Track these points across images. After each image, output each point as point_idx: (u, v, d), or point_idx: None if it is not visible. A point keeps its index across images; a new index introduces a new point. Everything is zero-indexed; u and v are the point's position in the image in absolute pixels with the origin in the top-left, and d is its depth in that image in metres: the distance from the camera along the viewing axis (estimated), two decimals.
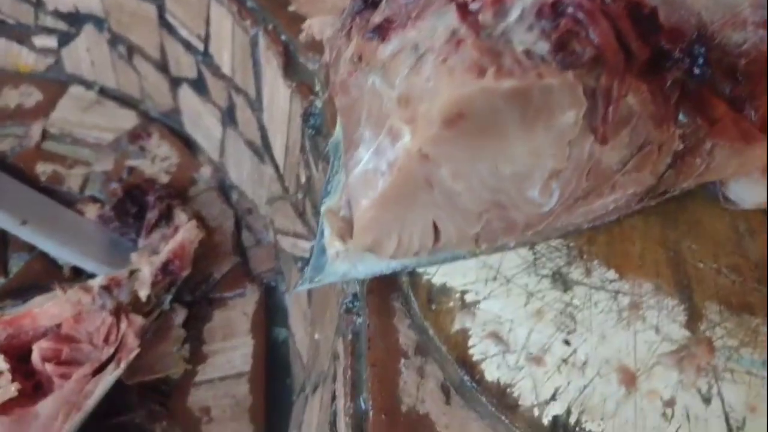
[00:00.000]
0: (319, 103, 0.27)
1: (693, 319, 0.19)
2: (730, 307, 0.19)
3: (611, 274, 0.20)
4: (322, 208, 0.22)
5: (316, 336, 0.28)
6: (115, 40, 0.44)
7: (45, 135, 0.46)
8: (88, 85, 0.49)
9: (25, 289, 0.37)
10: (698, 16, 0.21)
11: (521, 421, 0.18)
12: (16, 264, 0.39)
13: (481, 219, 0.20)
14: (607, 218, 0.20)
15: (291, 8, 0.30)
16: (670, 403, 0.18)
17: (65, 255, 0.38)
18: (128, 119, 0.46)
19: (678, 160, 0.19)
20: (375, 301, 0.22)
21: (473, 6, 0.17)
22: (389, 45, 0.19)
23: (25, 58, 0.50)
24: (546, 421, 0.17)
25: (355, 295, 0.22)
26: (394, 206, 0.19)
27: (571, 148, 0.18)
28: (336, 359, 0.23)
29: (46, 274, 0.38)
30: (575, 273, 0.20)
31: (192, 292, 0.37)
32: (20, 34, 0.49)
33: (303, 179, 0.30)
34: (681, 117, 0.19)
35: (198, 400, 0.33)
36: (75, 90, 0.48)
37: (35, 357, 0.29)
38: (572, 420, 0.17)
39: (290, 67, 0.29)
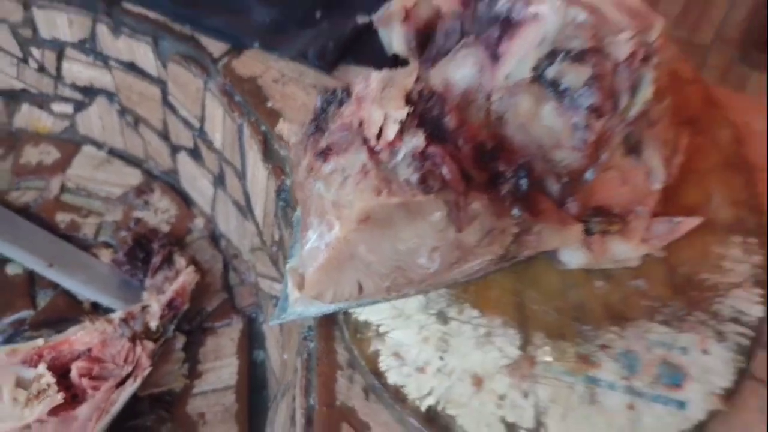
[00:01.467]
0: (288, 182, 0.39)
1: (525, 343, 0.30)
2: (550, 336, 0.30)
3: (476, 312, 0.31)
4: (287, 267, 0.33)
5: (285, 356, 0.38)
6: (123, 111, 0.55)
7: (63, 188, 0.57)
8: (99, 145, 0.59)
9: (52, 321, 0.47)
10: (538, 141, 0.32)
11: (409, 410, 0.28)
12: (43, 299, 0.50)
13: (389, 277, 0.31)
14: (475, 275, 0.31)
15: (269, 104, 0.41)
16: (502, 397, 0.28)
17: (85, 292, 0.49)
18: (134, 176, 0.57)
19: (517, 238, 0.30)
20: (322, 331, 0.32)
21: (377, 148, 0.28)
22: (328, 166, 0.30)
23: (44, 121, 0.61)
24: (423, 408, 0.28)
25: (309, 327, 0.33)
26: (330, 271, 0.30)
27: (442, 233, 0.29)
28: (295, 372, 0.34)
29: (69, 308, 0.48)
30: (452, 312, 0.31)
31: (189, 322, 0.47)
32: (41, 101, 0.60)
33: (276, 237, 0.41)
34: (515, 211, 0.30)
35: (195, 407, 0.43)
36: (88, 149, 0.59)
37: (73, 374, 0.39)
38: (440, 408, 0.28)
39: (267, 152, 0.40)
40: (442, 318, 0.30)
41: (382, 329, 0.30)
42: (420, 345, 0.29)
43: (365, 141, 0.28)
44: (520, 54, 0.30)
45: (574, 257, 0.32)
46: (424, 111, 0.27)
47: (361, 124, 0.29)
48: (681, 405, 0.28)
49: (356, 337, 0.30)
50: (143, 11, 0.47)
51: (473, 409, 0.28)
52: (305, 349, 0.32)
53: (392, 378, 0.29)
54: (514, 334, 0.30)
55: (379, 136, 0.27)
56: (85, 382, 0.39)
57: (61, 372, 0.39)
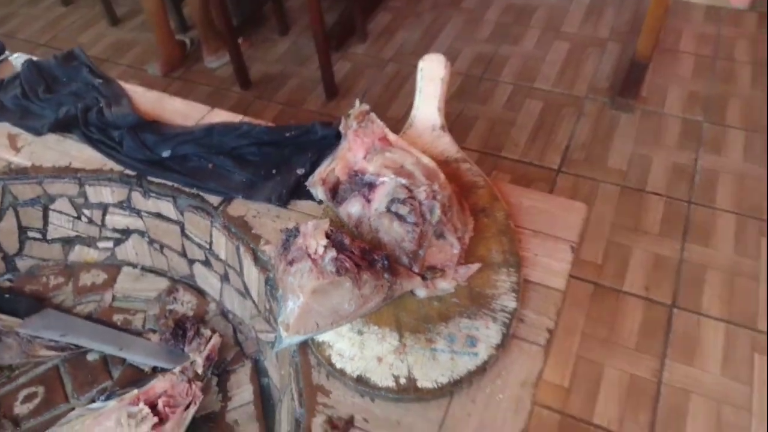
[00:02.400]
0: (271, 275, 0.71)
1: (400, 337, 0.61)
2: (412, 332, 0.62)
3: (375, 327, 0.62)
4: (278, 321, 0.64)
5: (282, 372, 0.70)
6: (152, 242, 0.87)
7: (113, 298, 0.87)
8: (134, 266, 0.90)
9: (125, 385, 0.77)
10: (394, 239, 0.65)
11: (348, 378, 0.59)
12: (116, 372, 0.79)
13: (331, 318, 0.62)
14: (374, 309, 0.63)
15: (253, 231, 0.74)
16: (391, 365, 0.60)
17: (146, 362, 0.79)
18: (163, 283, 0.87)
19: (390, 288, 0.62)
20: (300, 350, 0.64)
21: (315, 258, 0.60)
22: (293, 268, 0.61)
23: (92, 255, 0.91)
24: (355, 376, 0.59)
25: (294, 351, 0.65)
26: (301, 319, 0.61)
27: (352, 292, 0.61)
28: (289, 377, 0.65)
29: (136, 375, 0.78)
30: (364, 329, 0.62)
31: (217, 368, 0.78)
32: (89, 242, 0.90)
33: (267, 307, 0.73)
34: (386, 276, 0.62)
35: (230, 418, 0.73)
36: (126, 269, 0.89)
37: (159, 406, 0.69)
38: (362, 375, 0.59)
39: (256, 260, 0.73)
40: (359, 332, 0.62)
41: (330, 343, 0.62)
42: (349, 348, 0.61)
43: (309, 256, 0.60)
44: (379, 200, 0.64)
45: (421, 292, 0.65)
46: (334, 239, 0.60)
47: (306, 248, 0.61)
48: (476, 355, 0.60)
49: (318, 350, 0.62)
50: (164, 182, 0.79)
51: (378, 372, 0.60)
52: (294, 362, 0.64)
53: (338, 365, 0.60)
54: (395, 334, 0.62)
55: (315, 253, 0.60)
56: (167, 410, 0.69)
57: (151, 406, 0.69)
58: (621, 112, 2.12)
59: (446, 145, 0.77)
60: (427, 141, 0.76)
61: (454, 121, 2.13)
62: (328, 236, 0.58)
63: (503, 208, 0.71)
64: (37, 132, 0.86)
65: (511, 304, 0.62)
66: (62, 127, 0.86)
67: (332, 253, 0.57)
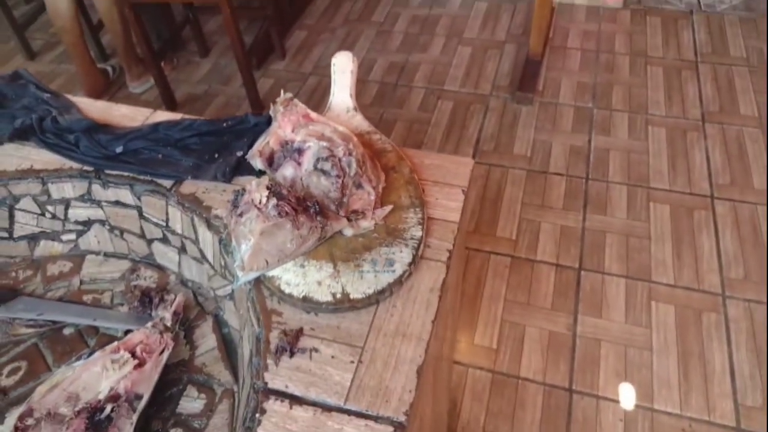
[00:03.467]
0: (224, 235, 0.88)
1: (334, 266, 0.79)
2: (344, 261, 0.79)
3: (314, 261, 0.80)
4: (235, 264, 0.81)
5: (240, 312, 0.86)
6: (112, 229, 1.01)
7: (81, 282, 1.00)
8: (97, 253, 1.04)
9: (104, 345, 0.91)
10: (323, 191, 0.84)
11: (295, 299, 0.77)
12: (92, 341, 0.93)
13: (277, 256, 0.79)
14: (313, 247, 0.80)
15: (204, 204, 0.91)
16: (329, 286, 0.78)
17: (119, 328, 0.93)
18: (125, 264, 1.01)
19: (323, 229, 0.80)
20: (255, 285, 0.81)
21: (260, 207, 0.78)
22: (242, 218, 0.78)
23: (56, 248, 1.04)
24: (301, 297, 0.77)
25: (250, 287, 0.82)
26: (253, 258, 0.78)
27: (292, 233, 0.79)
28: (248, 310, 0.82)
29: (111, 340, 0.92)
30: (305, 263, 0.79)
31: (183, 325, 0.93)
32: (53, 236, 1.03)
33: (223, 264, 0.90)
34: (319, 218, 0.80)
35: (199, 362, 0.89)
36: (90, 257, 1.03)
37: (137, 352, 0.84)
38: (307, 295, 0.77)
39: (210, 226, 0.89)
40: (301, 266, 0.80)
41: (278, 276, 0.79)
42: (294, 278, 0.78)
43: (255, 206, 0.77)
44: (307, 161, 0.83)
45: (348, 231, 0.83)
46: (274, 190, 0.78)
47: (251, 201, 0.78)
48: (394, 272, 0.79)
49: (269, 282, 0.79)
50: (120, 173, 0.94)
51: (319, 292, 0.77)
52: (250, 297, 0.81)
53: (287, 291, 0.77)
54: (330, 264, 0.80)
55: (259, 203, 0.77)
56: (144, 355, 0.84)
57: (130, 353, 0.84)
58: (521, 105, 2.41)
59: (359, 122, 0.97)
60: (344, 120, 0.96)
61: (376, 125, 2.35)
62: (269, 188, 0.76)
63: (408, 166, 0.91)
64: None
65: (419, 233, 0.82)
66: (19, 136, 1.00)
67: (273, 200, 0.75)
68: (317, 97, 2.49)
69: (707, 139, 2.22)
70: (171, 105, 2.34)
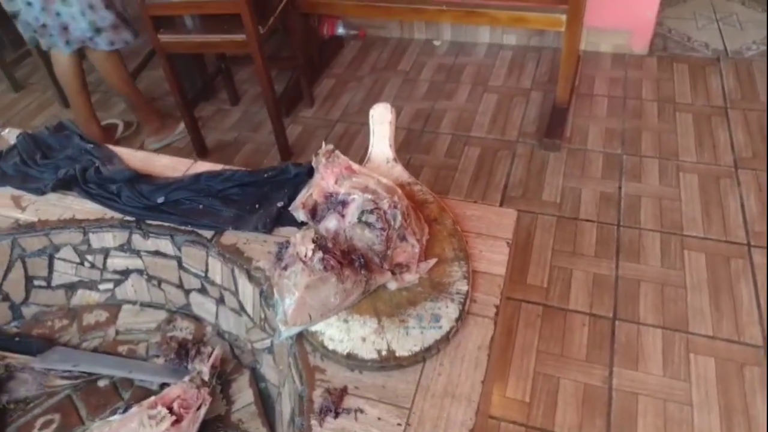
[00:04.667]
0: (265, 287, 0.86)
1: (379, 321, 0.77)
2: (388, 317, 0.77)
3: (357, 315, 0.78)
4: (277, 318, 0.79)
5: (280, 368, 0.84)
6: (150, 279, 1.00)
7: (117, 333, 0.99)
8: (133, 303, 1.03)
9: (139, 398, 0.88)
10: (366, 244, 0.82)
11: (340, 357, 0.74)
12: (126, 394, 0.91)
13: (321, 310, 0.77)
14: (356, 301, 0.78)
15: (245, 255, 0.90)
16: (374, 342, 0.75)
17: (154, 380, 0.91)
18: (161, 314, 1.00)
19: (367, 283, 0.78)
20: (297, 340, 0.78)
21: (305, 260, 0.76)
22: (287, 272, 0.77)
23: (93, 297, 1.04)
24: (345, 354, 0.74)
25: (292, 342, 0.79)
26: (296, 313, 0.76)
27: (336, 287, 0.77)
28: (289, 367, 0.79)
29: (145, 394, 0.90)
30: (349, 318, 0.77)
31: (219, 378, 0.91)
32: (90, 285, 1.03)
33: (263, 317, 0.88)
34: (363, 272, 0.78)
35: (235, 418, 0.86)
36: (126, 307, 1.02)
37: (175, 407, 0.82)
38: (351, 352, 0.74)
39: (251, 278, 0.88)
40: (345, 321, 0.78)
41: (322, 331, 0.77)
42: (338, 333, 0.76)
43: (300, 259, 0.76)
44: (352, 213, 0.82)
45: (392, 285, 0.81)
46: (320, 243, 0.76)
47: (297, 254, 0.77)
48: (440, 328, 0.77)
49: (312, 337, 0.77)
50: (161, 223, 0.94)
51: (364, 349, 0.75)
52: (292, 352, 0.78)
53: (330, 347, 0.75)
54: (374, 319, 0.78)
55: (305, 256, 0.75)
56: (181, 410, 0.81)
57: (167, 409, 0.82)
58: (549, 151, 2.40)
59: (399, 172, 0.96)
60: (384, 170, 0.95)
61: None
62: (314, 242, 0.75)
63: (450, 217, 0.90)
64: (40, 192, 1.00)
65: (464, 288, 0.80)
66: (62, 186, 1.01)
67: (319, 254, 0.74)
68: (344, 144, 2.51)
69: (741, 185, 2.18)
70: (202, 151, 2.37)
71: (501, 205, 2.20)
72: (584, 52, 2.83)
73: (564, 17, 2.15)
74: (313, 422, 0.67)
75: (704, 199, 2.11)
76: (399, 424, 0.66)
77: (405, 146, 2.48)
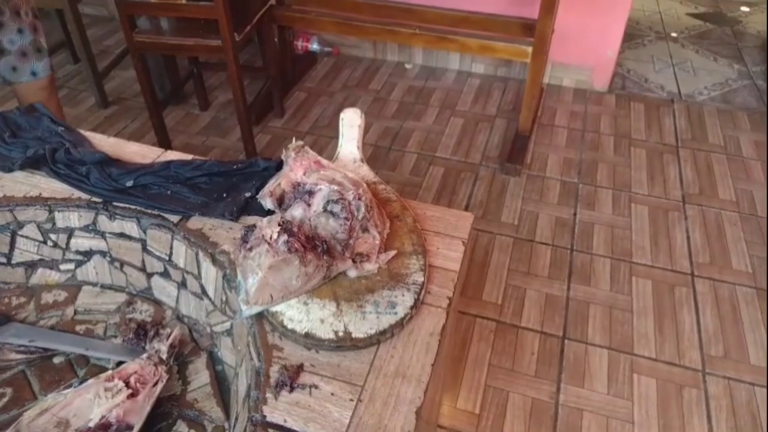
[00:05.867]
0: (228, 271, 0.89)
1: (337, 306, 0.81)
2: (347, 302, 0.81)
3: (317, 299, 0.82)
4: (239, 298, 0.82)
5: (239, 348, 0.87)
6: (113, 261, 1.02)
7: (75, 313, 1.00)
8: (94, 284, 1.04)
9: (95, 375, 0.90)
10: (330, 232, 0.87)
11: (297, 335, 0.78)
12: (82, 370, 0.92)
13: (283, 291, 0.81)
14: (317, 285, 0.82)
15: (210, 239, 0.93)
16: (331, 324, 0.79)
17: (111, 358, 0.92)
18: (121, 297, 1.02)
19: (329, 268, 0.83)
20: (257, 320, 0.82)
21: (271, 242, 0.80)
22: (251, 252, 0.81)
23: (53, 276, 1.04)
24: (303, 333, 0.78)
25: (251, 323, 0.83)
26: (259, 292, 0.79)
27: (299, 269, 0.81)
28: (247, 345, 0.83)
29: (101, 371, 0.91)
30: (309, 301, 0.81)
31: (177, 359, 0.93)
32: (51, 264, 1.04)
33: (224, 299, 0.91)
34: (325, 258, 0.83)
35: (191, 397, 0.88)
36: (87, 288, 1.03)
37: (131, 382, 0.83)
38: (310, 332, 0.78)
39: (214, 261, 0.91)
40: (305, 303, 0.81)
41: (282, 312, 0.81)
42: (297, 314, 0.80)
43: (266, 240, 0.80)
44: (317, 203, 0.86)
45: (352, 272, 0.85)
46: (285, 227, 0.80)
47: (263, 236, 0.81)
48: (396, 314, 0.81)
49: (272, 317, 0.81)
50: (128, 206, 0.97)
51: (321, 330, 0.79)
52: (252, 331, 0.82)
53: (289, 327, 0.79)
54: (333, 303, 0.82)
55: (270, 238, 0.79)
56: (138, 385, 0.83)
57: (124, 383, 0.84)
58: (509, 176, 2.50)
59: (366, 172, 1.01)
60: (351, 169, 1.00)
61: None
62: (280, 225, 0.79)
63: (411, 215, 0.95)
64: (8, 169, 1.02)
65: (420, 279, 0.85)
66: (31, 164, 1.02)
67: (284, 237, 0.78)
68: None
69: (688, 219, 2.32)
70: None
71: None
72: (548, 85, 2.97)
73: (530, 49, 2.28)
74: (269, 395, 0.70)
75: (653, 230, 2.23)
76: (351, 400, 0.70)
77: (372, 162, 2.55)
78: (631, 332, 1.93)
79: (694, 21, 3.64)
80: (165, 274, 0.97)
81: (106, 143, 1.10)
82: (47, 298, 0.99)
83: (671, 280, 2.09)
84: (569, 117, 2.84)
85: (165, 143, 2.38)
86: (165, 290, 0.98)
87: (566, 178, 2.49)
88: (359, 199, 0.84)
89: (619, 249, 2.19)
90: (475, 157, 2.60)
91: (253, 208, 0.95)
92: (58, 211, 0.97)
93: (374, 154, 2.59)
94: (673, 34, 3.50)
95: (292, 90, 2.95)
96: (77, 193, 0.98)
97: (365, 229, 0.85)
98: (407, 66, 3.20)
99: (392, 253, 0.86)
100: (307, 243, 0.79)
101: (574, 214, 2.32)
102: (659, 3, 3.84)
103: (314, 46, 3.18)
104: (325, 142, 2.62)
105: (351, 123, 1.07)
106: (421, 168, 2.53)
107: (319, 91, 3.00)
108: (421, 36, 2.57)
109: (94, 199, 0.97)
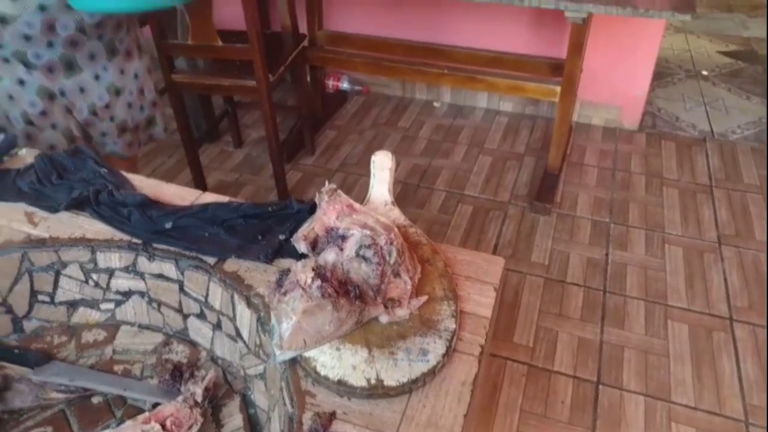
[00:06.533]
0: (262, 315, 0.91)
1: (369, 352, 0.82)
2: (378, 348, 0.82)
3: (350, 345, 0.83)
4: (273, 342, 0.84)
5: (272, 392, 0.88)
6: (151, 301, 1.05)
7: (114, 352, 1.03)
8: (132, 324, 1.07)
9: (131, 416, 0.92)
10: (363, 277, 0.88)
11: (330, 383, 0.78)
12: (119, 411, 0.94)
13: (316, 337, 0.82)
14: (349, 331, 0.84)
15: (245, 282, 0.95)
16: (363, 371, 0.80)
17: (148, 399, 0.94)
18: (158, 337, 1.05)
19: (361, 313, 0.84)
20: (290, 365, 0.83)
21: (305, 287, 0.82)
22: (286, 297, 0.83)
23: (93, 316, 1.08)
24: (335, 380, 0.78)
25: (285, 368, 0.84)
26: (292, 338, 0.81)
27: (332, 315, 0.83)
28: (281, 391, 0.84)
29: (138, 412, 0.93)
30: (341, 346, 0.82)
31: (211, 402, 0.94)
32: (92, 304, 1.07)
33: (258, 343, 0.93)
34: (357, 303, 0.84)
35: None
36: (125, 328, 1.06)
37: (168, 425, 0.85)
38: (342, 379, 0.79)
39: (249, 304, 0.93)
40: (337, 348, 0.83)
41: (314, 357, 0.82)
42: (330, 360, 0.81)
43: (300, 285, 0.82)
44: (350, 247, 0.88)
45: (383, 318, 0.86)
46: (319, 272, 0.82)
47: (297, 281, 0.82)
48: (427, 362, 0.81)
49: (305, 363, 0.82)
50: (167, 248, 1.00)
51: (354, 377, 0.79)
52: (285, 376, 0.83)
53: (322, 373, 0.80)
54: (365, 349, 0.83)
55: (304, 283, 0.81)
56: (174, 428, 0.85)
57: (160, 425, 0.85)
58: (539, 215, 2.50)
59: (397, 215, 1.03)
60: (382, 212, 1.02)
61: None
62: (314, 270, 0.81)
63: (442, 259, 0.97)
64: (54, 210, 1.06)
65: (452, 326, 0.85)
66: (75, 206, 1.07)
67: (318, 282, 0.80)
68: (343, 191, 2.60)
69: (724, 261, 2.27)
70: (202, 190, 2.45)
71: None
72: (576, 123, 2.98)
73: (558, 89, 2.30)
74: None
75: (688, 272, 2.19)
76: None
77: (400, 200, 2.58)
78: (668, 378, 1.88)
79: (725, 59, 3.63)
80: (201, 316, 0.99)
81: (145, 184, 1.15)
82: (87, 337, 1.02)
83: (708, 324, 2.05)
84: (599, 155, 2.83)
85: (200, 180, 2.45)
86: (200, 331, 1.01)
87: (597, 218, 2.47)
88: (391, 243, 0.86)
89: (653, 291, 2.16)
90: (504, 196, 2.60)
91: (287, 250, 0.98)
92: (101, 252, 1.01)
93: (403, 191, 2.62)
94: (704, 72, 3.49)
95: (322, 128, 3.02)
96: (119, 235, 1.02)
97: (397, 274, 0.86)
98: (436, 104, 3.25)
99: (424, 298, 0.87)
100: (340, 288, 0.81)
101: (606, 255, 2.30)
102: (689, 41, 3.85)
103: (345, 85, 3.26)
104: (354, 179, 2.67)
105: (382, 166, 1.09)
106: (449, 206, 2.54)
107: (349, 129, 3.06)
108: (450, 76, 2.61)
109: (135, 240, 1.01)
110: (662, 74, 3.50)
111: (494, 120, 3.13)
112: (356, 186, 2.62)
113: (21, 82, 1.39)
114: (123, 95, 1.57)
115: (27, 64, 1.36)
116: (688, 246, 2.32)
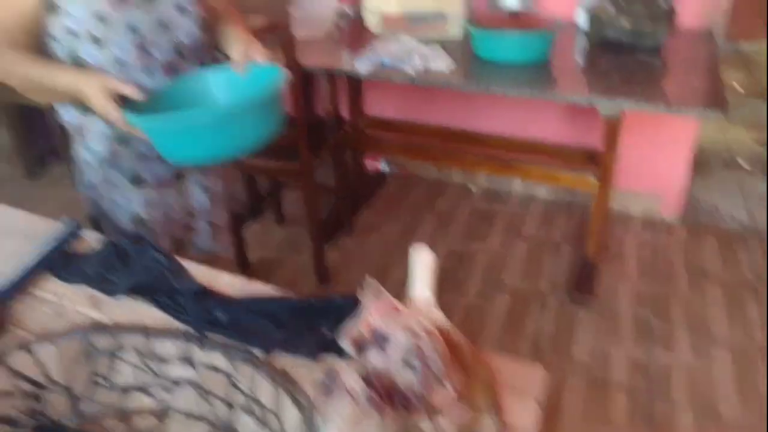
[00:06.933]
0: (308, 414, 0.95)
1: None
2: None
3: None
4: None
5: None
6: (201, 391, 1.09)
7: None
8: (182, 413, 1.11)
9: None
10: (407, 385, 0.92)
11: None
12: None
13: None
14: None
15: (292, 378, 0.99)
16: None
17: None
18: (204, 428, 1.09)
19: (406, 422, 0.87)
20: None
21: (352, 391, 0.86)
22: (333, 401, 0.86)
23: (146, 402, 1.12)
24: None
25: None
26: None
27: (377, 421, 0.86)
28: None
29: None
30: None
31: None
32: (145, 390, 1.12)
33: None
34: (402, 411, 0.87)
35: None
36: (175, 416, 1.11)
37: None
38: None
39: (296, 402, 0.97)
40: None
41: None
42: None
43: (347, 391, 0.85)
44: (395, 353, 0.92)
45: (427, 427, 0.89)
46: (366, 378, 0.86)
47: (344, 385, 0.86)
48: None
49: None
50: (219, 339, 1.06)
51: None
52: None
53: None
54: None
55: (352, 389, 0.85)
56: None
57: None
58: (579, 306, 2.49)
59: (438, 317, 1.07)
60: (424, 314, 1.07)
61: None
62: (361, 376, 0.85)
63: (484, 367, 0.99)
64: (114, 294, 1.14)
65: None
66: (135, 292, 1.14)
67: (365, 388, 0.83)
68: (381, 275, 2.66)
69: None
70: (244, 266, 2.54)
71: (532, 358, 2.24)
72: (615, 213, 3.00)
73: (593, 179, 2.34)
74: None
75: (737, 376, 2.13)
76: None
77: (437, 284, 2.61)
78: None
79: (760, 148, 3.65)
80: (247, 408, 1.03)
81: (200, 272, 1.22)
82: (138, 423, 1.07)
83: None
84: (638, 246, 2.83)
85: (241, 257, 2.54)
86: (247, 425, 1.04)
87: (639, 313, 2.45)
88: (435, 351, 0.89)
89: (700, 398, 2.09)
90: (542, 285, 2.61)
91: (332, 347, 1.02)
92: (157, 339, 1.06)
93: (439, 275, 2.65)
94: (741, 162, 3.50)
95: (361, 209, 3.12)
96: (175, 323, 1.08)
97: (440, 382, 0.89)
98: (471, 188, 3.33)
99: (467, 409, 0.89)
100: (386, 396, 0.84)
101: (649, 355, 2.26)
102: (724, 129, 3.88)
103: (383, 167, 3.38)
104: (392, 262, 2.72)
105: (424, 264, 1.14)
106: (486, 293, 2.56)
107: (386, 210, 3.15)
108: (485, 162, 2.70)
109: (189, 330, 1.07)
110: (701, 164, 3.53)
111: (530, 205, 3.18)
112: (394, 269, 2.66)
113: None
114: None
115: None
116: (736, 349, 2.27)
